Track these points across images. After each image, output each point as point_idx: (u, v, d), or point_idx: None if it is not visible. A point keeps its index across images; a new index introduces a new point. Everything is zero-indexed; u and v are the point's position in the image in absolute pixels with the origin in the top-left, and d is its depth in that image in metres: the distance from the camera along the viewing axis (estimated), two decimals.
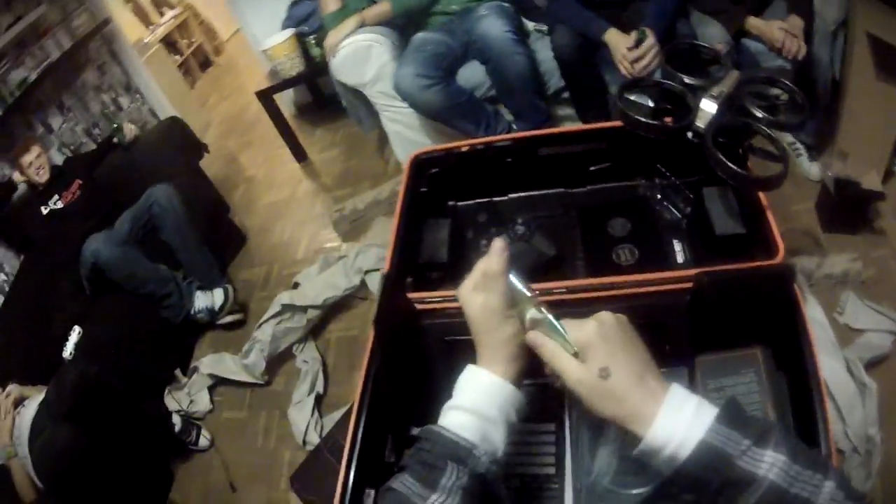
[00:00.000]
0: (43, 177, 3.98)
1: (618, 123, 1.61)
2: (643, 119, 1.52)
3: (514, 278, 1.11)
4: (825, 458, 0.88)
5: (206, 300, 3.90)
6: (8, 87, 4.62)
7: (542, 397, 1.12)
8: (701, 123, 1.47)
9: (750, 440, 0.86)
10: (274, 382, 3.50)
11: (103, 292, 3.74)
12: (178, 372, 3.65)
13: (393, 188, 4.22)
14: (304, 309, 3.49)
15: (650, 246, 1.70)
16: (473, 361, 1.09)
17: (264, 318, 3.50)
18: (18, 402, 3.03)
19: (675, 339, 1.14)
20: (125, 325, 3.69)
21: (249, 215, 5.11)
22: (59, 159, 4.69)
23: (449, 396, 1.07)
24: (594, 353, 0.97)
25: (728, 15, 3.21)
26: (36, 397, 3.00)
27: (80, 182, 4.05)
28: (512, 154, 1.90)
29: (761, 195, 1.48)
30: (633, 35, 3.09)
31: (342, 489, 1.25)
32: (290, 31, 4.86)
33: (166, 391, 3.55)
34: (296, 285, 3.75)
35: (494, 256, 1.10)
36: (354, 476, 1.26)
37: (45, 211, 3.94)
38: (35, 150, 3.99)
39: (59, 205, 3.95)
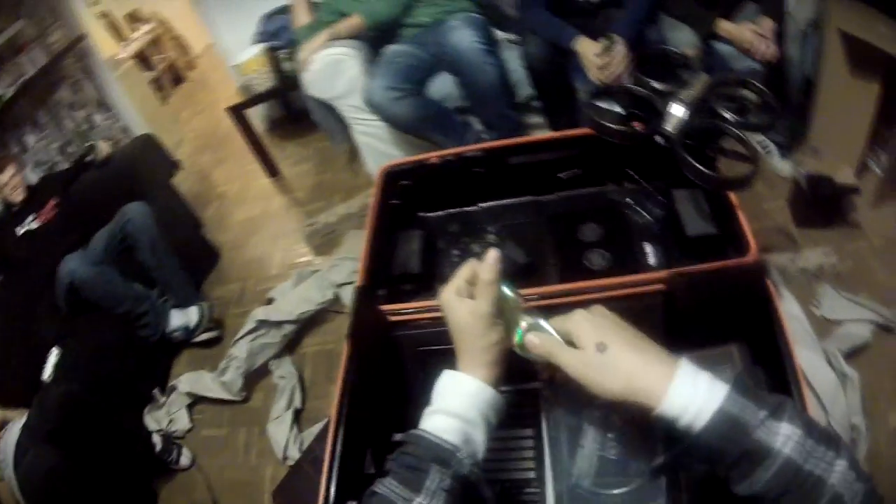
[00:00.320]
0: (18, 196, 3.92)
1: (587, 131, 1.61)
2: (611, 125, 1.53)
3: (505, 287, 1.12)
4: (837, 436, 0.86)
5: (181, 318, 3.86)
6: None
7: (520, 403, 1.12)
8: (670, 128, 1.48)
9: (766, 411, 0.85)
10: (252, 399, 3.47)
11: (80, 312, 3.69)
12: (156, 391, 3.61)
13: (364, 201, 4.20)
14: (279, 324, 3.47)
15: (622, 250, 1.71)
16: (449, 369, 1.09)
17: (240, 334, 3.48)
18: (1, 425, 3.00)
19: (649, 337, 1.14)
20: (103, 345, 3.63)
21: (223, 231, 5.07)
22: (33, 178, 4.62)
23: (426, 404, 1.08)
24: (586, 334, 0.99)
25: (698, 19, 3.22)
26: (18, 420, 2.95)
27: (56, 201, 3.99)
28: (482, 164, 1.90)
29: (731, 195, 1.48)
30: (602, 42, 3.09)
31: (324, 498, 1.25)
32: (261, 46, 4.85)
33: (145, 411, 3.52)
34: (270, 301, 3.73)
35: (488, 265, 1.10)
36: (335, 489, 1.27)
37: (20, 231, 3.87)
38: (10, 169, 3.93)
39: (35, 224, 3.89)
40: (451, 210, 2.01)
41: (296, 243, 4.49)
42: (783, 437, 0.83)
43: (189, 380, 3.55)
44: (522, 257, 1.72)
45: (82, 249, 3.74)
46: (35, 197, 3.99)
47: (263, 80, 4.89)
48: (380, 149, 3.95)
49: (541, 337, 1.06)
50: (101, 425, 3.08)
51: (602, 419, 1.28)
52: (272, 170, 5.45)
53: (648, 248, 1.70)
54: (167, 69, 8.96)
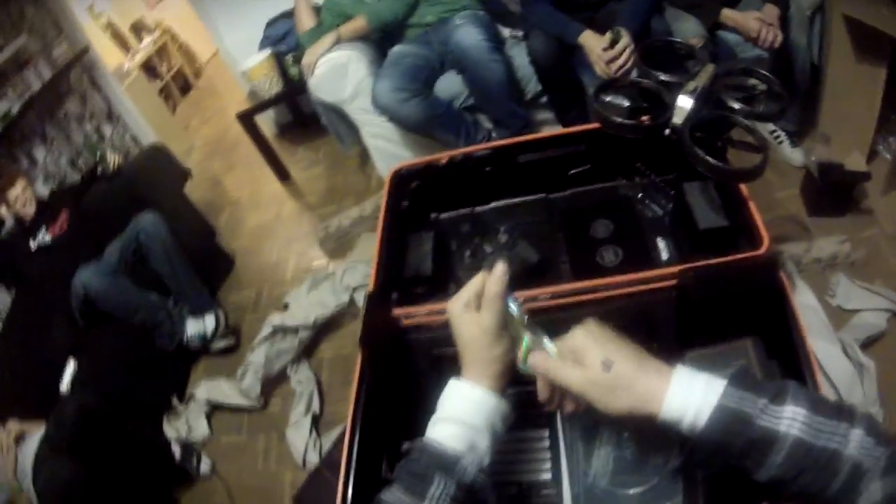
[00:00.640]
0: (30, 210, 3.93)
1: (595, 126, 1.61)
2: (619, 120, 1.52)
3: (511, 303, 1.12)
4: (850, 407, 0.87)
5: (197, 326, 3.86)
6: None
7: (534, 404, 1.11)
8: (678, 120, 1.47)
9: (766, 398, 0.86)
10: (270, 404, 3.46)
11: (96, 323, 3.70)
12: (174, 399, 3.62)
13: (376, 203, 4.18)
14: (295, 330, 3.46)
15: (634, 245, 1.70)
16: (456, 376, 1.09)
17: (256, 340, 3.47)
18: (19, 438, 3.01)
19: (664, 336, 1.14)
20: (120, 356, 3.65)
21: (236, 238, 5.07)
22: (44, 192, 4.64)
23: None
24: (590, 353, 0.99)
25: (703, 8, 3.21)
26: (36, 432, 2.96)
27: (67, 214, 3.99)
28: (491, 163, 1.90)
29: (742, 186, 1.48)
30: (608, 36, 3.08)
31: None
32: (266, 52, 4.84)
33: (164, 419, 3.52)
34: (286, 306, 3.72)
35: (495, 278, 1.10)
36: (353, 495, 1.26)
37: (33, 244, 3.88)
38: (20, 183, 3.94)
39: (48, 238, 3.90)
40: (463, 210, 2.02)
41: (310, 247, 4.49)
42: (788, 419, 0.84)
43: (207, 387, 3.55)
44: (535, 256, 1.71)
45: (96, 261, 3.74)
46: (47, 210, 4.00)
47: (271, 86, 4.88)
48: (390, 150, 3.96)
49: (544, 358, 1.07)
50: (120, 436, 3.09)
51: (617, 419, 1.27)
52: (283, 174, 5.44)
53: (661, 243, 1.70)
54: (174, 78, 8.96)
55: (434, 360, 1.47)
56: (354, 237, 4.20)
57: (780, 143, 3.42)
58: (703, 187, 1.61)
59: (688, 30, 3.17)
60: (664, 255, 1.67)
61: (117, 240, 3.84)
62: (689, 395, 0.90)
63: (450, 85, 3.69)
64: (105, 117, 6.10)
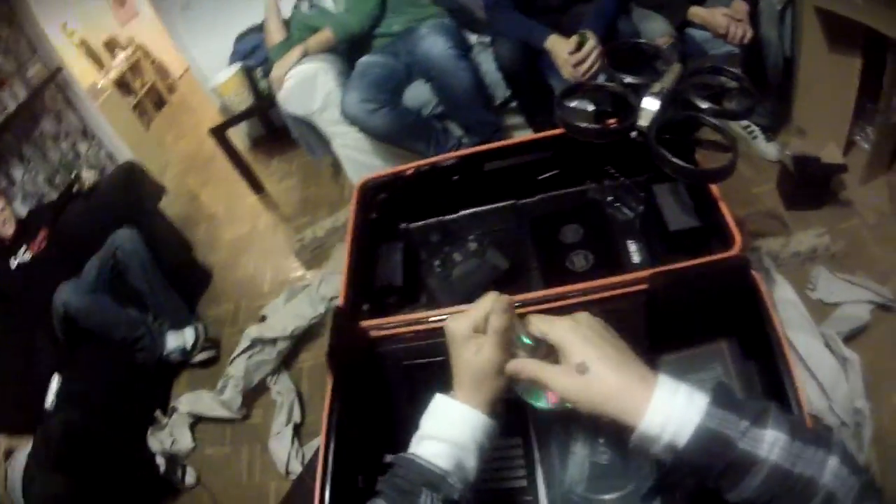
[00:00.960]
0: (9, 230, 3.92)
1: (561, 131, 1.59)
2: (583, 125, 1.51)
3: (524, 338, 1.11)
4: (826, 434, 0.87)
5: (177, 340, 3.87)
6: None
7: (507, 411, 1.10)
8: (644, 122, 1.45)
9: (748, 420, 0.85)
10: (252, 415, 3.47)
11: (78, 340, 3.69)
12: (158, 413, 3.61)
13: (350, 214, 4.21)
14: (273, 341, 3.47)
15: (605, 249, 1.70)
16: (433, 383, 1.10)
17: (235, 353, 3.48)
18: (8, 453, 3.03)
19: (636, 341, 1.12)
20: (103, 371, 3.65)
21: (213, 252, 5.07)
22: (22, 211, 4.64)
23: (412, 421, 1.08)
24: (570, 350, 0.98)
25: (670, 7, 3.22)
26: (24, 448, 2.99)
27: (46, 232, 3.99)
28: (458, 171, 1.89)
29: (713, 186, 1.47)
30: (574, 39, 3.07)
31: None
32: (236, 66, 4.84)
33: (148, 433, 3.51)
34: (263, 318, 3.73)
35: (500, 312, 1.09)
36: None
37: (13, 264, 3.87)
38: None
39: (27, 257, 3.89)
40: (431, 220, 2.01)
41: (286, 259, 4.50)
42: (768, 443, 0.83)
43: (189, 400, 3.56)
44: (504, 263, 1.70)
45: (75, 278, 3.74)
46: (26, 229, 4.00)
47: (241, 100, 4.89)
48: (361, 160, 3.96)
49: (523, 363, 1.06)
50: (105, 450, 3.11)
51: (592, 425, 1.27)
52: (257, 187, 5.45)
53: (632, 246, 1.69)
54: (148, 94, 8.96)
55: (405, 371, 1.46)
56: (329, 247, 4.23)
57: (755, 138, 3.43)
58: (674, 189, 1.61)
59: (655, 29, 3.17)
60: (636, 259, 1.66)
61: (96, 257, 3.85)
62: (671, 411, 0.89)
63: (418, 94, 3.69)
64: (80, 135, 6.09)
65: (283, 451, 3.07)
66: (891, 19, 2.47)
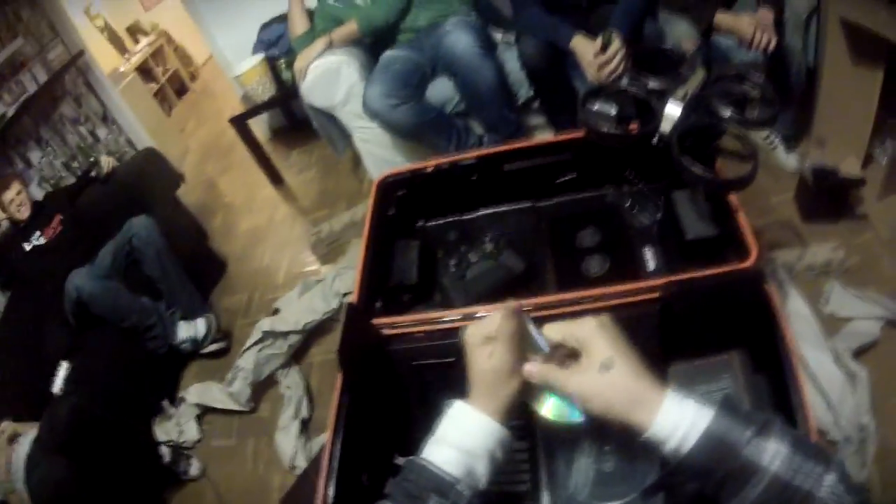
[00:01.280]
0: (24, 213, 3.94)
1: (583, 133, 1.59)
2: (606, 129, 1.50)
3: (539, 341, 1.12)
4: (826, 451, 0.88)
5: (189, 330, 3.86)
6: None
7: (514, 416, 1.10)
8: (666, 127, 1.45)
9: (753, 430, 0.87)
10: (260, 409, 3.46)
11: (89, 326, 3.70)
12: (165, 402, 3.61)
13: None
14: (285, 335, 3.46)
15: (621, 255, 1.70)
16: (443, 384, 1.11)
17: (246, 345, 3.47)
18: (13, 439, 3.01)
19: (647, 349, 1.12)
20: (112, 358, 3.65)
21: (229, 242, 5.07)
22: (39, 194, 4.63)
23: (421, 421, 1.08)
24: (595, 347, 1.00)
25: (696, 12, 3.20)
26: (29, 433, 2.98)
27: (61, 217, 4.01)
28: (478, 171, 1.88)
29: (732, 195, 1.46)
30: (600, 40, 3.05)
31: None
32: (259, 56, 4.84)
33: (155, 422, 3.52)
34: (276, 311, 3.72)
35: (506, 318, 1.09)
36: (333, 502, 1.26)
37: (27, 247, 3.89)
38: (15, 186, 3.96)
39: (42, 240, 3.91)
40: (449, 218, 2.01)
41: (302, 252, 4.50)
42: (770, 454, 0.85)
43: (197, 391, 3.56)
44: (520, 265, 1.70)
45: (89, 264, 3.76)
46: (41, 213, 4.02)
47: (264, 90, 4.89)
48: (381, 155, 3.94)
49: (536, 367, 1.07)
50: (111, 438, 3.10)
51: (597, 432, 1.27)
52: (276, 179, 5.45)
53: (647, 253, 1.69)
54: (170, 80, 8.95)
55: (416, 370, 1.46)
56: (346, 242, 4.22)
57: (775, 148, 3.41)
58: (692, 196, 1.60)
59: (681, 33, 3.15)
60: (651, 265, 1.66)
61: (111, 243, 3.85)
62: (680, 416, 0.91)
63: (441, 90, 3.68)
64: (100, 120, 6.10)
65: (290, 445, 3.06)
66: None
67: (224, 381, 3.51)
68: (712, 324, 1.28)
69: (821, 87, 3.29)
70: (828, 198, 3.01)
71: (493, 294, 1.16)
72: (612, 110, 1.60)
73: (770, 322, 1.26)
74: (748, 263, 1.33)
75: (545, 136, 3.67)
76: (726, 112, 1.43)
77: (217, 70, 7.07)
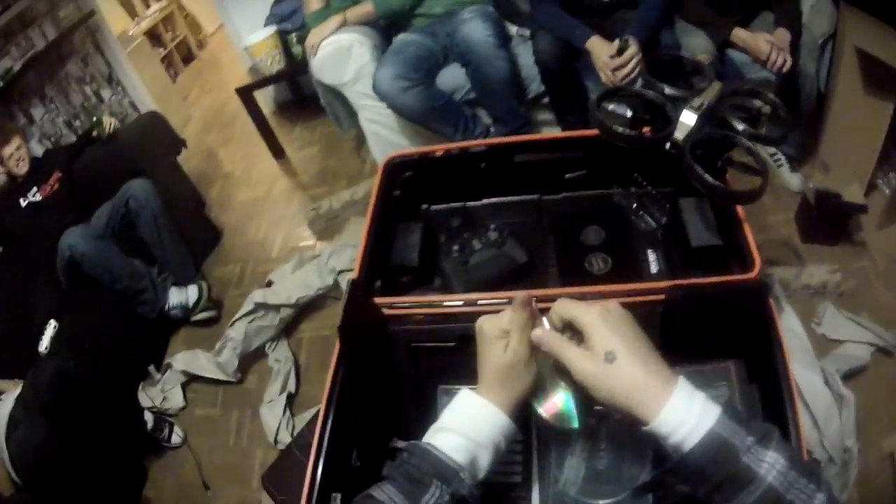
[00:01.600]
0: (23, 168, 3.93)
1: (594, 132, 1.59)
2: (620, 130, 1.50)
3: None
4: (819, 470, 0.87)
5: (180, 296, 3.88)
6: None
7: None
8: (680, 135, 1.45)
9: (753, 437, 0.86)
10: (246, 380, 3.48)
11: (80, 287, 3.71)
12: (151, 368, 3.62)
13: (368, 188, 4.13)
14: (276, 308, 3.47)
15: (624, 255, 1.70)
16: (440, 368, 1.11)
17: (237, 315, 3.48)
18: None
19: None
20: (101, 321, 3.67)
21: (225, 212, 5.08)
22: (38, 150, 4.62)
23: (414, 404, 1.07)
24: (598, 337, 0.98)
25: (714, 26, 3.20)
26: (12, 391, 2.98)
27: (59, 175, 4.00)
28: (487, 159, 1.88)
29: (738, 208, 1.46)
30: (616, 43, 3.07)
31: (308, 492, 1.23)
32: (272, 28, 4.85)
33: (140, 387, 3.52)
34: (269, 283, 3.72)
35: (519, 308, 1.09)
36: (321, 479, 1.25)
37: (23, 203, 3.88)
38: (16, 141, 3.94)
39: (38, 197, 3.90)
40: (454, 203, 2.00)
41: (298, 227, 4.51)
42: (768, 464, 0.84)
43: (185, 358, 3.57)
44: (523, 257, 1.71)
45: (84, 224, 3.75)
46: (39, 169, 4.01)
47: (272, 63, 4.89)
48: (386, 137, 3.96)
49: (548, 334, 1.05)
50: (95, 401, 3.10)
51: (593, 429, 1.27)
52: (278, 152, 5.46)
53: (651, 256, 1.69)
54: (178, 47, 8.91)
55: (413, 353, 1.45)
56: (343, 220, 4.23)
57: (780, 166, 3.42)
58: (699, 204, 1.60)
59: (697, 45, 3.17)
60: (653, 269, 1.66)
61: (107, 204, 3.86)
62: (687, 413, 0.89)
63: (452, 77, 3.69)
64: (105, 81, 6.07)
65: (274, 419, 3.07)
66: None
67: (212, 350, 3.51)
68: (713, 331, 1.28)
69: (830, 112, 3.31)
70: (828, 221, 3.04)
71: (494, 283, 1.16)
72: (627, 112, 1.60)
73: (768, 334, 1.27)
74: (752, 274, 1.33)
75: (552, 131, 3.67)
76: (739, 126, 1.43)
77: (225, 40, 7.07)
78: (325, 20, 3.78)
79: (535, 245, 1.78)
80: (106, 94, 6.02)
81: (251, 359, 3.50)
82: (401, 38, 3.71)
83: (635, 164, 1.80)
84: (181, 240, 4.02)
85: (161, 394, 3.49)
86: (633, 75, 3.06)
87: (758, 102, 1.54)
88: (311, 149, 5.52)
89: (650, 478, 1.05)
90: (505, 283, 1.15)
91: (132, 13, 8.08)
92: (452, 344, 1.13)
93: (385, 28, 3.93)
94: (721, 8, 3.27)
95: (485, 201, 1.99)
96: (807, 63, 3.23)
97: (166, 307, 3.87)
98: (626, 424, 0.96)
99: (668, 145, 1.47)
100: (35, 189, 3.90)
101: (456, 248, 1.75)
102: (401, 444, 1.21)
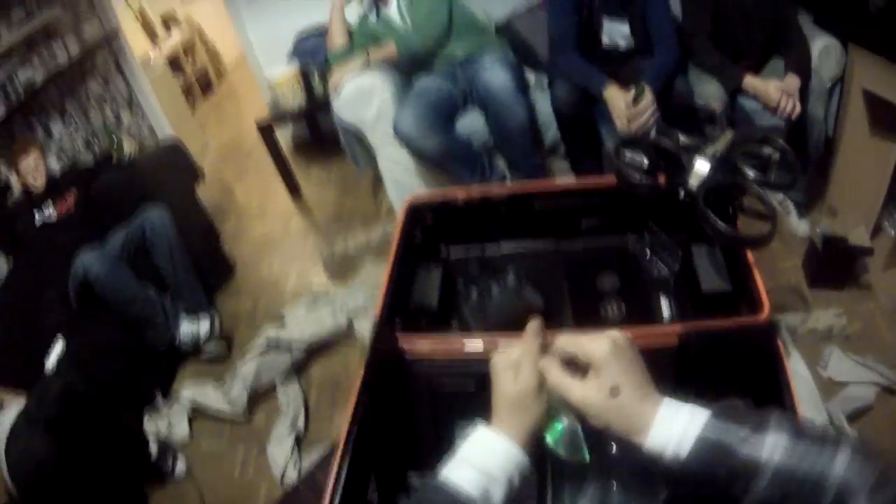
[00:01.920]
0: (39, 182, 3.94)
1: (611, 180, 1.63)
2: (638, 179, 1.55)
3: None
4: (832, 433, 0.89)
5: (191, 327, 3.87)
6: (14, 86, 4.56)
7: None
8: (693, 183, 1.49)
9: (748, 429, 0.89)
10: (254, 417, 3.44)
11: (90, 308, 3.68)
12: (158, 396, 3.61)
13: (384, 231, 4.23)
14: (288, 346, 3.47)
15: (637, 300, 1.73)
16: (459, 405, 1.10)
17: (249, 352, 3.49)
18: None
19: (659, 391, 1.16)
20: (109, 344, 3.62)
21: (239, 246, 5.07)
22: (55, 166, 4.64)
23: (432, 443, 1.08)
24: (606, 371, 1.00)
25: (726, 73, 3.24)
26: (14, 404, 2.95)
27: (76, 194, 4.01)
28: (506, 205, 1.92)
29: (748, 252, 1.51)
30: (632, 92, 3.10)
31: None
32: (294, 64, 4.90)
33: (145, 415, 3.50)
34: (282, 321, 3.72)
35: (531, 336, 1.12)
36: None
37: (38, 218, 3.90)
38: (34, 153, 3.95)
39: (53, 214, 3.92)
40: (473, 247, 2.04)
41: (312, 266, 4.48)
42: (769, 447, 0.87)
43: (194, 390, 3.54)
44: (540, 302, 1.74)
45: (100, 246, 3.75)
46: (55, 187, 4.01)
47: (293, 99, 4.93)
48: (403, 180, 3.96)
49: (552, 365, 1.07)
50: (99, 423, 3.08)
51: (606, 467, 1.30)
52: (294, 190, 5.45)
53: (663, 301, 1.72)
54: (198, 77, 8.94)
55: (431, 392, 1.48)
56: (359, 262, 4.21)
57: (788, 213, 3.45)
58: (710, 250, 1.65)
59: (710, 93, 3.18)
60: (666, 314, 1.70)
61: (122, 228, 3.83)
62: (672, 427, 0.93)
63: (471, 122, 3.72)
64: (125, 104, 6.10)
65: (282, 457, 3.05)
66: None
67: (221, 382, 3.51)
68: (723, 372, 1.33)
69: (837, 155, 3.35)
70: (834, 264, 3.07)
71: (511, 327, 1.19)
72: (644, 161, 1.64)
73: (776, 375, 1.32)
74: (762, 316, 1.37)
75: (566, 178, 3.70)
76: (751, 173, 1.48)
77: (244, 73, 7.09)
78: (348, 58, 3.82)
79: (551, 290, 1.81)
80: (125, 116, 6.04)
81: (260, 396, 3.47)
82: (422, 81, 3.73)
83: (648, 211, 1.84)
84: (195, 271, 4.01)
85: (167, 423, 3.45)
86: (648, 124, 3.06)
87: (768, 149, 1.58)
88: (327, 188, 5.51)
89: (665, 497, 1.08)
90: (521, 327, 1.17)
91: (152, 37, 8.09)
92: (472, 390, 1.15)
93: (407, 70, 3.95)
94: (732, 54, 3.33)
95: (503, 243, 2.02)
96: (815, 108, 3.27)
97: (177, 337, 3.85)
98: (638, 461, 0.99)
99: (682, 193, 1.51)
100: (51, 206, 3.92)
101: (475, 292, 1.79)
102: (415, 480, 1.23)
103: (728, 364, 1.33)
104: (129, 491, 3.18)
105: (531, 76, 3.86)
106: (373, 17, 3.94)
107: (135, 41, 6.76)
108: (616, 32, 3.47)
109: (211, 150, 7.19)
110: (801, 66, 3.23)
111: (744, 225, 1.54)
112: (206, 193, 5.24)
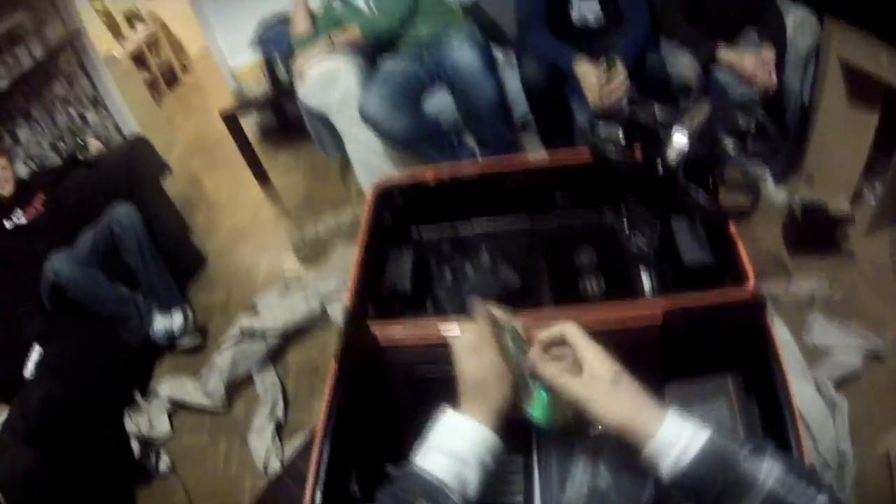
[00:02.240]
0: (8, 190, 3.87)
1: (584, 156, 1.59)
2: (614, 155, 1.51)
3: (512, 343, 1.16)
4: (817, 474, 0.93)
5: (164, 322, 3.83)
6: None
7: (510, 429, 1.10)
8: (672, 156, 1.46)
9: (748, 449, 0.91)
10: (234, 408, 3.42)
11: (64, 311, 3.65)
12: (137, 395, 3.57)
13: (354, 213, 4.21)
14: (263, 334, 3.45)
15: (617, 276, 1.71)
16: (437, 394, 1.09)
17: (224, 343, 3.46)
18: None
19: (644, 368, 1.13)
20: (85, 346, 3.59)
21: (210, 238, 5.02)
22: (23, 172, 4.52)
23: (413, 431, 1.07)
24: (602, 364, 1.03)
25: (699, 45, 3.20)
26: None
27: (44, 198, 3.96)
28: (477, 183, 1.88)
29: (730, 224, 1.47)
30: (603, 65, 3.06)
31: None
32: (257, 53, 4.86)
33: (125, 414, 3.47)
34: (255, 310, 3.70)
35: (482, 320, 1.13)
36: None
37: (8, 225, 3.84)
38: (1, 161, 3.89)
39: (23, 220, 3.86)
40: (445, 228, 2.00)
41: (283, 253, 4.46)
42: (766, 470, 0.88)
43: (171, 385, 3.51)
44: (516, 281, 1.71)
45: (69, 248, 3.70)
46: (24, 191, 3.95)
47: (258, 87, 4.90)
48: (372, 162, 3.92)
49: (544, 363, 1.08)
50: (82, 428, 3.06)
51: (594, 449, 1.28)
52: (263, 178, 5.43)
53: (644, 275, 1.69)
54: (163, 71, 8.87)
55: (409, 380, 1.45)
56: (330, 246, 4.20)
57: (765, 181, 3.43)
58: (690, 222, 1.62)
59: (682, 65, 3.16)
60: (646, 288, 1.67)
61: (90, 229, 3.79)
62: (681, 430, 0.94)
63: (438, 102, 3.69)
64: (90, 103, 6.00)
65: (263, 447, 3.03)
66: None
67: (198, 376, 3.48)
68: (711, 347, 1.30)
69: (815, 125, 3.33)
70: (815, 233, 3.07)
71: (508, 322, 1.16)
72: (620, 136, 1.60)
73: (765, 347, 1.30)
74: (747, 289, 1.35)
75: (538, 154, 3.68)
76: (729, 144, 1.44)
77: (209, 65, 7.03)
78: (311, 44, 3.77)
79: (527, 268, 1.78)
80: (90, 116, 5.94)
81: (238, 386, 3.44)
82: (388, 63, 3.70)
83: (625, 185, 1.80)
84: (166, 266, 3.97)
85: (147, 421, 3.41)
86: (620, 97, 3.02)
87: (746, 120, 1.54)
88: (295, 174, 5.50)
89: (652, 495, 1.06)
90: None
91: (116, 34, 8.01)
92: (451, 374, 1.12)
93: (371, 52, 3.91)
94: (705, 26, 3.28)
95: (475, 221, 1.99)
96: (791, 79, 3.26)
97: (151, 333, 3.82)
98: (625, 444, 0.98)
99: (660, 167, 1.48)
100: (20, 211, 3.86)
101: (449, 274, 1.75)
102: (392, 471, 1.20)
103: (715, 337, 1.31)
104: (115, 492, 3.16)
105: (499, 54, 3.82)
106: (338, 4, 3.90)
107: (99, 39, 6.69)
108: (585, 8, 3.42)
109: (179, 144, 7.12)
110: (775, 36, 3.19)
111: (724, 196, 1.51)
112: (175, 187, 5.22)
